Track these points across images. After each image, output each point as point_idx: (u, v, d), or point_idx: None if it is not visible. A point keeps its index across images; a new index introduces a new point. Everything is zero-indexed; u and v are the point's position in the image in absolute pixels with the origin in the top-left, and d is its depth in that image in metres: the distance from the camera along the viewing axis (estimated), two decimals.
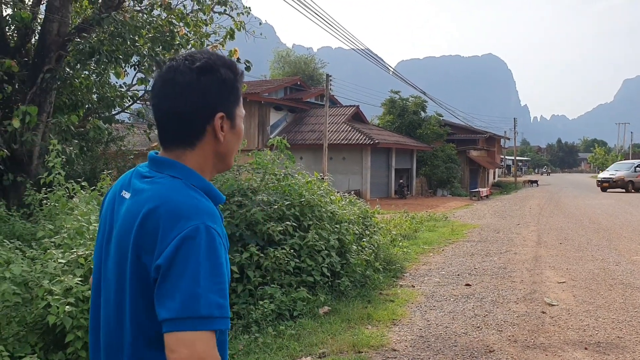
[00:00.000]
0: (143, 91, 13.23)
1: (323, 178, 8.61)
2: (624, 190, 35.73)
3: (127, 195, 1.41)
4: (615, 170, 37.93)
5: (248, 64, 12.01)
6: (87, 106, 12.29)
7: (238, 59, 11.87)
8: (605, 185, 36.88)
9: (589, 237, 13.42)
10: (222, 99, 1.42)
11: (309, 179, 7.94)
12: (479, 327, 5.99)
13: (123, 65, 11.05)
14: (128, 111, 14.99)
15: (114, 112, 13.35)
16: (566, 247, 11.86)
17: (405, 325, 6.06)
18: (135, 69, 12.04)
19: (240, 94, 1.49)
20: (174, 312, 1.19)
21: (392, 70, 30.69)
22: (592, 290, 7.68)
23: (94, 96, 12.49)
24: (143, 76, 11.90)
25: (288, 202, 7.02)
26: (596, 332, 5.74)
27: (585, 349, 5.22)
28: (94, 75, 12.04)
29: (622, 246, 11.76)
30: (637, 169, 37.29)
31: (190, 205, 1.29)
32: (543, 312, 6.52)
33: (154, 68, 11.10)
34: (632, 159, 77.13)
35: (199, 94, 1.38)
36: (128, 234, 1.33)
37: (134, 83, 13.21)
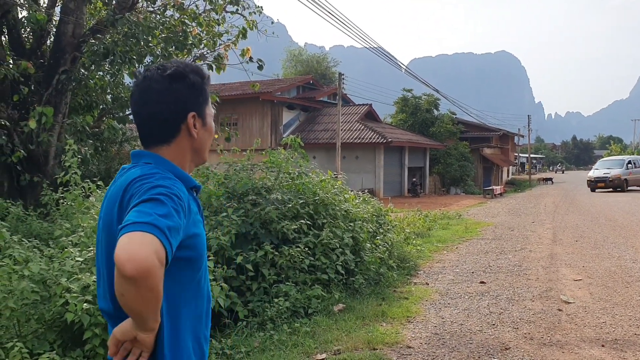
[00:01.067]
0: None
1: (337, 177, 8.61)
2: (619, 190, 32.39)
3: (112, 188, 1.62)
4: (608, 169, 33.93)
5: (260, 63, 12.03)
6: (101, 107, 12.40)
7: (251, 58, 11.91)
8: (601, 185, 32.98)
9: (605, 234, 13.29)
10: (192, 100, 1.63)
11: (323, 177, 7.96)
12: (494, 324, 5.96)
13: (137, 65, 11.14)
14: None
15: (127, 112, 13.46)
16: (582, 244, 11.77)
17: (419, 322, 6.05)
18: None
19: (208, 96, 1.70)
20: (129, 220, 1.31)
21: (404, 68, 30.62)
22: (608, 287, 7.61)
23: (108, 97, 12.60)
24: None
25: (302, 201, 7.03)
26: (613, 329, 5.69)
27: (603, 346, 5.18)
28: (107, 76, 12.15)
29: (639, 243, 11.63)
30: (629, 165, 34.20)
31: (157, 179, 1.47)
32: (559, 310, 6.47)
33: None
34: None
35: (172, 97, 1.59)
36: (111, 214, 1.53)
37: None
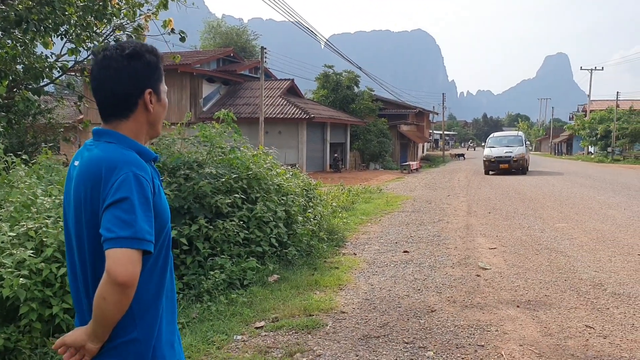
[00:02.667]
0: (73, 62, 12.73)
1: (268, 152, 8.72)
2: (521, 172, 28.21)
3: (77, 163, 1.78)
4: (508, 147, 28.80)
5: (183, 35, 11.79)
6: (10, 77, 11.75)
7: (172, 30, 11.66)
8: (505, 167, 27.73)
9: (516, 207, 14.24)
10: (148, 78, 1.78)
11: (255, 152, 8.04)
12: (419, 289, 6.36)
13: (52, 35, 10.65)
14: (57, 82, 14.43)
15: (42, 84, 12.83)
16: (495, 216, 12.57)
17: (351, 289, 6.36)
18: (62, 39, 11.60)
19: (162, 73, 1.86)
20: (114, 234, 1.54)
21: (325, 40, 30.68)
22: (520, 255, 8.25)
23: (19, 67, 11.95)
24: (74, 46, 11.46)
25: (235, 175, 7.10)
26: (526, 292, 6.24)
27: (518, 306, 5.68)
28: (19, 45, 11.50)
29: (546, 215, 12.57)
30: (527, 143, 30.85)
31: (121, 159, 1.66)
32: (478, 275, 6.98)
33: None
34: (552, 133, 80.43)
35: (131, 75, 1.74)
36: (81, 191, 1.70)
37: (62, 53, 12.72)
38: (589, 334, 4.85)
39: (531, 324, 5.13)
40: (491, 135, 32.74)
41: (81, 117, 25.58)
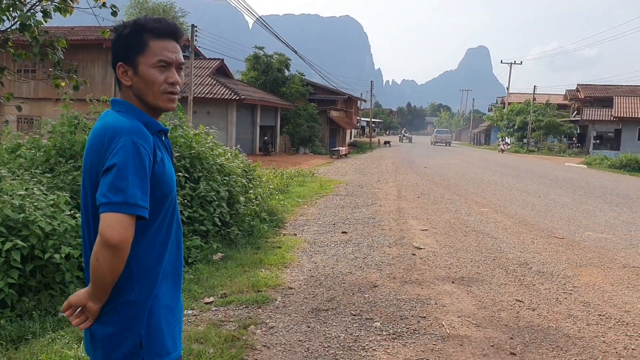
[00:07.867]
0: None
1: (209, 132, 8.68)
2: None
3: None
4: None
5: (115, 9, 11.45)
6: None
7: (104, 3, 11.30)
8: None
9: (442, 192, 14.87)
10: (120, 51, 1.82)
11: (196, 131, 8.00)
12: (361, 267, 6.63)
13: None
14: None
15: None
16: (424, 200, 13.09)
17: (295, 267, 6.53)
18: None
19: (143, 46, 1.79)
20: (107, 198, 1.61)
21: (257, 16, 30.27)
22: (451, 236, 8.71)
23: None
24: None
25: (178, 154, 7.07)
26: (459, 269, 6.64)
27: (453, 282, 6.06)
28: None
29: (470, 200, 13.24)
30: None
31: (124, 127, 1.70)
32: (413, 254, 7.34)
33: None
34: (472, 123, 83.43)
35: (111, 50, 1.85)
36: (88, 159, 1.76)
37: None
38: (519, 307, 5.27)
39: (466, 298, 5.50)
40: None
41: None
